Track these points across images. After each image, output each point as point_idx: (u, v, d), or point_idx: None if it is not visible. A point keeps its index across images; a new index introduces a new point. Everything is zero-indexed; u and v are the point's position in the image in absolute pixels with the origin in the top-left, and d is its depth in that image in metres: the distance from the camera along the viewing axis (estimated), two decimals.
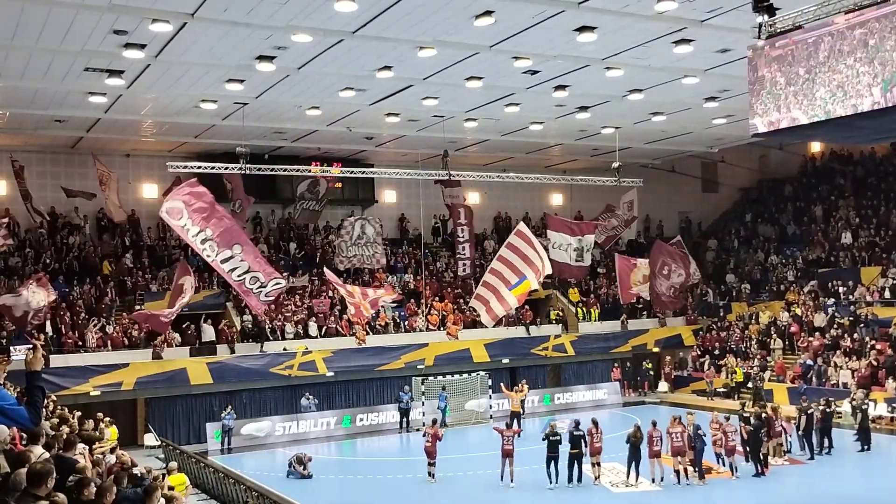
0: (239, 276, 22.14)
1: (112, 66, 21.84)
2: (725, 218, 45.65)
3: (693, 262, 35.45)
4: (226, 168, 28.27)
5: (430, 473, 21.83)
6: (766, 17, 13.73)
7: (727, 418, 21.51)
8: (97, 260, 32.03)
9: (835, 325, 32.62)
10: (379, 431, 30.23)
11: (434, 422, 23.14)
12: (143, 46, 20.15)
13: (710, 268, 42.01)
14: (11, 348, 25.21)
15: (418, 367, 32.14)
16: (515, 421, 26.68)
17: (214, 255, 22.02)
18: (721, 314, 38.54)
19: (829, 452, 23.44)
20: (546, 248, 31.96)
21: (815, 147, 43.53)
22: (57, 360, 26.67)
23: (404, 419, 30.34)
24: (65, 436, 10.00)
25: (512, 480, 20.81)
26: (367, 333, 32.15)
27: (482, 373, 32.11)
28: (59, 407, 17.58)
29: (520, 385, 30.34)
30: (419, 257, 36.90)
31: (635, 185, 34.56)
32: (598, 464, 20.86)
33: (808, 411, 23.51)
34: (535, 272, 24.29)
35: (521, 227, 25.86)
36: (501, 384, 30.50)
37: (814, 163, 44.19)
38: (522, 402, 29.97)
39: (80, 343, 28.16)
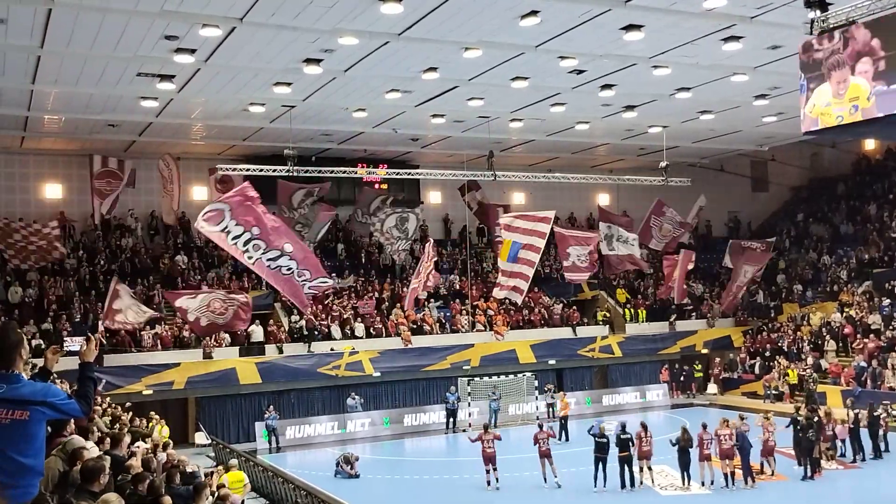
0: (287, 271, 22.13)
1: (163, 71, 22.27)
2: (776, 218, 44.82)
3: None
4: (273, 170, 28.58)
5: (489, 482, 21.08)
6: (818, 12, 13.52)
7: (765, 418, 21.17)
8: (149, 261, 32.61)
9: (891, 327, 31.86)
10: (426, 432, 30.34)
11: (486, 427, 22.07)
12: (193, 51, 20.51)
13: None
14: (66, 339, 25.80)
15: (464, 367, 32.16)
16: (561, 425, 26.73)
17: (259, 253, 21.98)
18: (772, 315, 37.90)
19: (865, 458, 22.56)
20: (603, 241, 32.12)
21: (870, 144, 42.55)
22: (111, 360, 27.23)
23: (451, 420, 30.39)
24: (110, 433, 10.18)
25: (556, 476, 20.75)
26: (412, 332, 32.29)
27: (528, 374, 32.03)
28: (111, 405, 17.98)
29: (548, 387, 30.19)
30: (464, 258, 36.89)
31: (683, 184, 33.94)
32: (650, 468, 20.54)
33: (855, 411, 23.06)
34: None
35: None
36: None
37: (868, 161, 43.18)
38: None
39: (134, 342, 28.71)
